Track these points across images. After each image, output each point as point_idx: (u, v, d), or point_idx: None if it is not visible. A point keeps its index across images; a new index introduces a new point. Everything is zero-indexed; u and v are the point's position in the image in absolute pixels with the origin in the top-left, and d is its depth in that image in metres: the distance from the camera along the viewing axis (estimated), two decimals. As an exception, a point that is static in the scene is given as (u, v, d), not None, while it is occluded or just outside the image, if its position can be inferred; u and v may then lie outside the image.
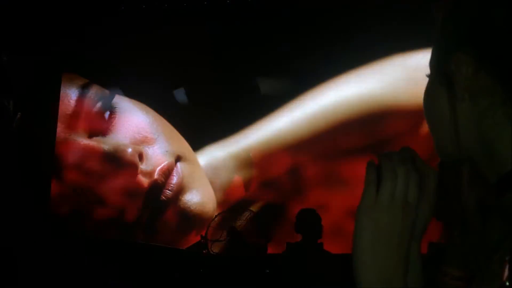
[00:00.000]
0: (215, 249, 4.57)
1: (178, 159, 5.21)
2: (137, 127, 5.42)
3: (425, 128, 4.78)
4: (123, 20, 5.45)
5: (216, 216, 4.65)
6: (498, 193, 0.61)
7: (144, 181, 5.23)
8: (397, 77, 4.97)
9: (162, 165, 5.17)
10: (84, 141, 5.49)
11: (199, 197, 5.11)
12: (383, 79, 5.01)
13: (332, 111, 5.09)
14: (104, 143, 5.42)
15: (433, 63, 0.68)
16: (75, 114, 5.60)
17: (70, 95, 5.66)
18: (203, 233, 4.62)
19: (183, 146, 5.29)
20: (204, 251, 4.57)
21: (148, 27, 5.42)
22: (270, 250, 4.44)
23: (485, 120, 0.61)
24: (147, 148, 5.33)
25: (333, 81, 5.14)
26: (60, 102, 5.63)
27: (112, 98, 5.51)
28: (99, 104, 5.52)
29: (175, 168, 5.18)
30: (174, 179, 5.15)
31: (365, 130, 4.99)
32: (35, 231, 5.18)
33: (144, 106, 5.49)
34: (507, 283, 0.57)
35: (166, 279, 4.23)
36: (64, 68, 5.88)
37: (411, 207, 0.67)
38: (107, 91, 5.56)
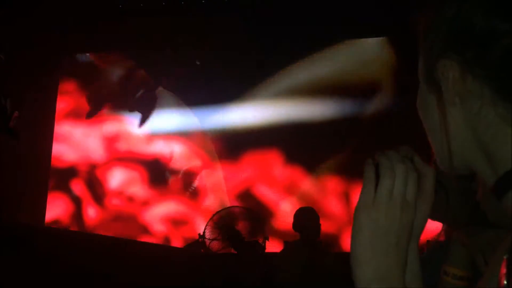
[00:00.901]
0: (213, 247, 4.56)
1: (204, 165, 5.35)
2: (173, 124, 5.51)
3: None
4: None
5: (214, 214, 4.65)
6: (497, 193, 0.60)
7: (168, 177, 5.38)
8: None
9: (188, 166, 5.33)
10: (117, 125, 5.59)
11: (216, 206, 5.26)
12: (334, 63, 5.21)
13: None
14: (138, 130, 5.51)
15: (421, 74, 0.68)
16: (115, 94, 5.65)
17: (114, 76, 5.71)
18: (201, 232, 4.62)
19: (211, 153, 5.38)
20: (202, 250, 4.56)
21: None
22: (268, 249, 4.44)
23: (479, 123, 0.61)
24: (177, 147, 5.41)
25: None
26: (103, 80, 5.68)
27: (156, 87, 5.57)
28: (141, 91, 5.59)
29: (199, 173, 5.30)
30: (196, 183, 5.33)
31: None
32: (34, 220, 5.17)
33: (182, 104, 5.54)
34: (505, 282, 0.57)
35: (164, 277, 4.23)
36: (61, 68, 5.87)
37: (410, 206, 0.67)
38: (151, 80, 5.61)
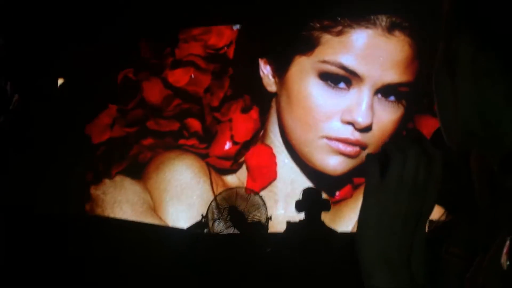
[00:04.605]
0: (216, 228, 4.59)
1: None
2: None
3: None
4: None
5: (217, 195, 4.67)
6: (501, 174, 0.61)
7: None
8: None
9: None
10: None
11: None
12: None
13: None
14: None
15: (438, 54, 0.69)
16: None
17: None
18: (204, 213, 4.65)
19: None
20: (205, 230, 4.59)
21: None
22: (271, 229, 4.46)
23: (487, 101, 0.61)
24: None
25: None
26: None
27: None
28: None
29: None
30: None
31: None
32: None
33: None
34: (508, 263, 0.57)
35: (167, 258, 4.26)
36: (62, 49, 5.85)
37: (420, 190, 0.67)
38: None
